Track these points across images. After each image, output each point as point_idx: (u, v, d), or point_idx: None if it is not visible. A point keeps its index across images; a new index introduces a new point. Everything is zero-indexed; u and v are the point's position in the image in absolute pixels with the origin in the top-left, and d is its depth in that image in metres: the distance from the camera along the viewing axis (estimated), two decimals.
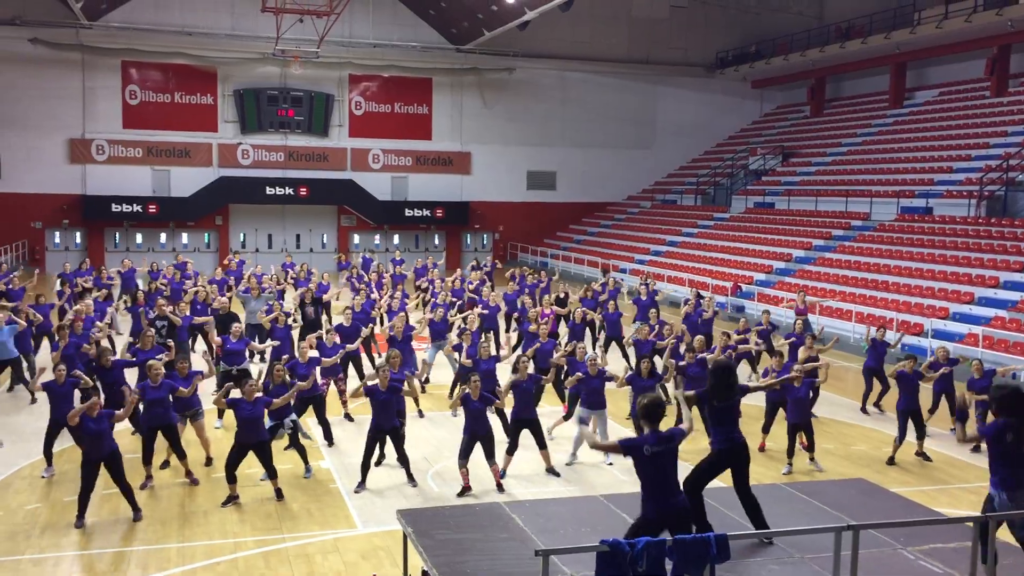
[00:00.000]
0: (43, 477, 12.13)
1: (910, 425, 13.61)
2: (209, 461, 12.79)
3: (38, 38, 35.98)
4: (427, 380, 17.57)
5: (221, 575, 9.47)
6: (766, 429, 14.01)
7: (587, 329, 19.76)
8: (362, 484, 11.85)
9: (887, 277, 25.57)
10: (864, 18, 36.09)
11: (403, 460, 12.14)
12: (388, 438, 11.99)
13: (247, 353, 15.21)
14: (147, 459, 11.82)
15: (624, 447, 7.36)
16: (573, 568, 7.28)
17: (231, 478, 11.23)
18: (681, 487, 7.48)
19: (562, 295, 21.75)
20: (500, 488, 11.79)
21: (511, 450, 12.32)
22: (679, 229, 38.00)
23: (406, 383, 12.31)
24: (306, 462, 12.45)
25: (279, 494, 11.43)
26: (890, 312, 23.02)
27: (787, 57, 40.11)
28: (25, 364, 16.62)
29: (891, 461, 13.60)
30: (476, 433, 11.63)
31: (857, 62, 38.30)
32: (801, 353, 15.20)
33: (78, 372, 12.67)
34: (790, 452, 13.07)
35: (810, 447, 13.23)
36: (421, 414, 15.33)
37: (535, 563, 6.34)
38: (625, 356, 19.20)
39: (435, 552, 7.84)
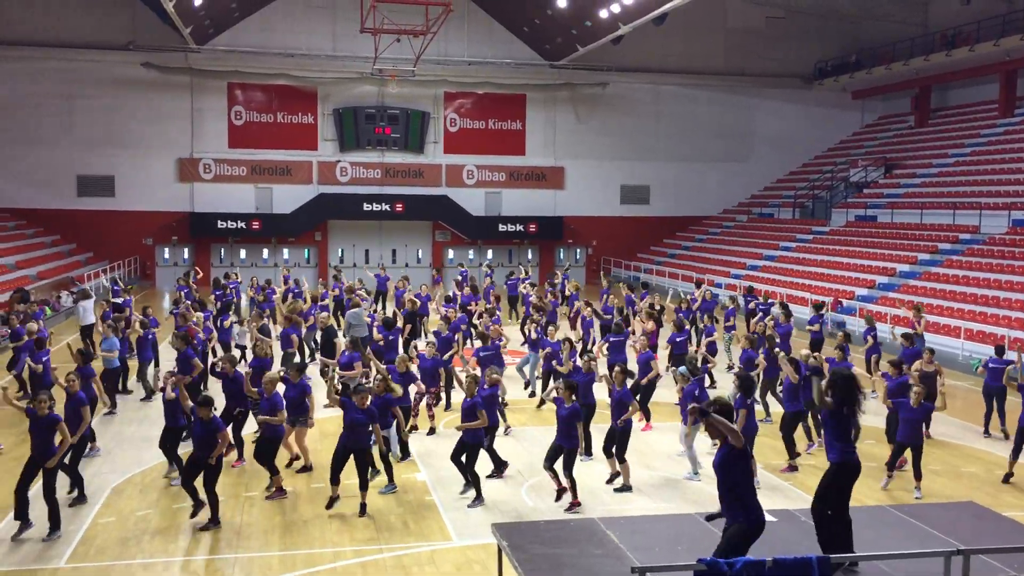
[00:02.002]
0: (172, 485, 12.44)
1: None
2: (308, 467, 13.18)
3: (150, 62, 37.66)
4: (532, 393, 17.94)
5: None
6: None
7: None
8: (479, 497, 11.87)
9: (997, 292, 24.56)
10: (971, 25, 34.85)
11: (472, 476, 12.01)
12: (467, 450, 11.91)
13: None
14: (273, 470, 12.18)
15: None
16: None
17: (335, 480, 11.36)
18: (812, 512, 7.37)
19: (657, 307, 21.66)
20: (559, 497, 11.74)
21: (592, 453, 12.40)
22: (776, 243, 37.29)
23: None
24: (391, 477, 12.49)
25: (363, 508, 11.47)
26: (1001, 328, 22.10)
27: (890, 66, 39.02)
28: (148, 372, 17.37)
29: (1005, 479, 13.09)
30: (561, 444, 11.57)
31: (964, 70, 37.03)
32: (917, 366, 14.73)
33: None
34: (891, 465, 12.69)
35: (916, 474, 12.47)
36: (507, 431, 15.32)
37: None
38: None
39: (530, 567, 7.85)
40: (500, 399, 13.93)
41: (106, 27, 37.23)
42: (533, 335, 17.75)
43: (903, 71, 38.81)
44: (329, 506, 11.40)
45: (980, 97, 38.64)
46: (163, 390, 12.51)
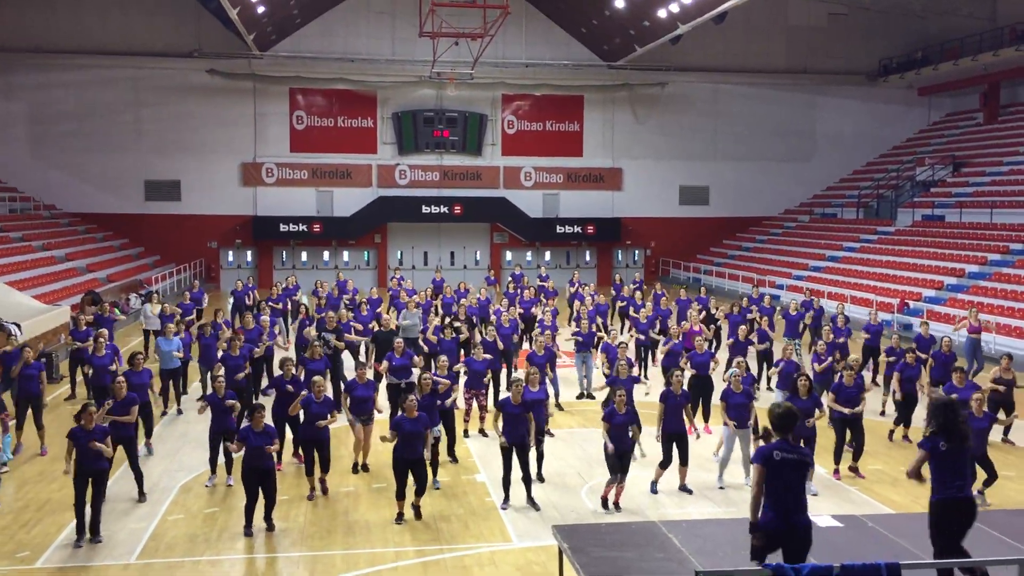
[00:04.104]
0: (207, 486, 12.72)
1: None
2: (365, 467, 13.39)
3: (214, 69, 38.44)
4: (581, 395, 17.97)
5: None
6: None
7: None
8: (506, 500, 11.87)
9: None
10: None
11: (527, 479, 11.89)
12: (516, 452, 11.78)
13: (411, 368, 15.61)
14: (310, 471, 12.33)
15: (757, 463, 7.11)
16: None
17: (401, 495, 11.30)
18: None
19: (713, 310, 21.48)
20: (617, 507, 11.67)
21: (664, 464, 12.23)
22: (840, 244, 36.63)
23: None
24: (434, 474, 12.57)
25: (418, 512, 11.48)
26: None
27: (957, 62, 38.10)
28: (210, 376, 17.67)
29: None
30: (619, 448, 11.51)
31: None
32: (991, 375, 14.39)
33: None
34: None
35: (987, 480, 12.05)
36: (550, 434, 15.19)
37: None
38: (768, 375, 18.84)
39: (591, 569, 7.83)
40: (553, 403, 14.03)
41: (173, 35, 38.11)
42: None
43: (971, 67, 37.88)
44: (399, 520, 11.31)
45: None
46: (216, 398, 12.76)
